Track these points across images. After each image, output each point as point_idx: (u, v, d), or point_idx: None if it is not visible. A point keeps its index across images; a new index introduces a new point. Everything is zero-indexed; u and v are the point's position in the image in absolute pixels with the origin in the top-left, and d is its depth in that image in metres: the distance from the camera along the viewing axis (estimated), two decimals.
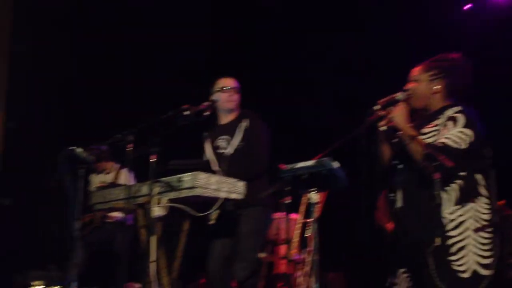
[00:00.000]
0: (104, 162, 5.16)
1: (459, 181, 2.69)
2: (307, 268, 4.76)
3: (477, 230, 2.65)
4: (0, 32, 6.25)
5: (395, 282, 2.88)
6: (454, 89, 2.83)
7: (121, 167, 5.21)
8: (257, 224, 3.48)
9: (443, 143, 2.66)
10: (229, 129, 3.64)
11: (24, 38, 6.26)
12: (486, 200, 2.71)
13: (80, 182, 4.08)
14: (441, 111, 2.81)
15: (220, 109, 3.71)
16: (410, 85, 2.88)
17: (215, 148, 3.66)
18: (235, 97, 3.68)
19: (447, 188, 2.68)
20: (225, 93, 3.65)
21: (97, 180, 5.23)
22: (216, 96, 3.64)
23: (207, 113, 3.43)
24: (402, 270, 2.85)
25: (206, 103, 3.51)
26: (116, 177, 5.15)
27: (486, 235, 2.66)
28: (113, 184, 3.87)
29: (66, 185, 3.89)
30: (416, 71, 2.90)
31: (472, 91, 2.84)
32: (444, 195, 2.68)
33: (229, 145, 3.58)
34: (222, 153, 3.60)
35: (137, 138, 3.18)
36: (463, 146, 2.66)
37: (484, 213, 2.69)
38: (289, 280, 4.95)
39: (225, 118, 3.72)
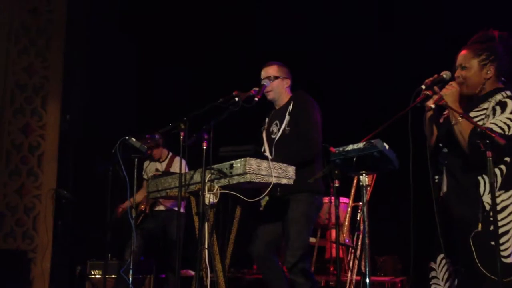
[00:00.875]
0: (158, 150, 5.29)
1: (502, 166, 2.64)
2: (358, 252, 4.76)
3: None
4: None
5: (433, 267, 2.85)
6: (505, 70, 2.76)
7: (174, 155, 5.33)
8: (305, 210, 3.46)
9: (489, 128, 2.58)
10: (280, 114, 3.65)
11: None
12: None
13: (135, 171, 4.22)
14: (490, 94, 2.73)
15: None
16: (460, 73, 2.79)
17: (269, 134, 3.68)
18: (272, 86, 3.63)
19: (504, 169, 2.64)
20: (264, 84, 3.63)
21: (151, 167, 5.36)
22: (266, 82, 3.63)
23: (257, 98, 3.42)
24: (442, 255, 2.81)
25: (255, 89, 3.50)
26: (169, 164, 5.28)
27: None
28: (167, 173, 3.97)
29: (121, 174, 4.03)
30: (464, 57, 2.79)
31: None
32: (487, 180, 2.63)
33: (278, 131, 3.59)
34: (273, 138, 3.61)
35: (189, 126, 3.25)
36: (509, 132, 2.59)
37: None
38: (341, 264, 4.96)
39: (278, 104, 3.73)
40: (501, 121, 2.61)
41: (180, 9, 6.84)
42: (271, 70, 3.68)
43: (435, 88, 2.76)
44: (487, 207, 2.61)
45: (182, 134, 3.26)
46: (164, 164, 5.32)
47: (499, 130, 2.58)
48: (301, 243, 3.43)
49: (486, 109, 2.70)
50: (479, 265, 2.59)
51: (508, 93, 2.68)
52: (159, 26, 6.78)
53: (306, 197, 3.45)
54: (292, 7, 6.69)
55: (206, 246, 3.23)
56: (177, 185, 3.38)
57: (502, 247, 2.59)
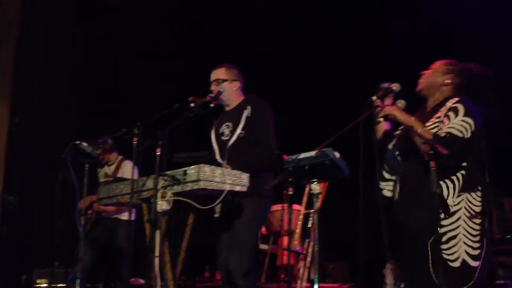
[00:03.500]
0: (108, 154, 5.21)
1: (462, 171, 2.77)
2: (308, 259, 4.82)
3: (469, 218, 2.72)
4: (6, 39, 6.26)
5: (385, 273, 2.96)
6: (461, 89, 2.94)
7: (123, 159, 5.26)
8: (254, 214, 3.46)
9: (448, 133, 2.74)
10: (233, 116, 3.62)
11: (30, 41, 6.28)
12: (479, 192, 2.78)
13: (85, 177, 4.14)
14: (442, 103, 2.91)
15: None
16: (426, 72, 3.02)
17: (219, 135, 3.64)
18: (224, 87, 3.61)
19: (453, 177, 2.76)
20: (213, 86, 3.63)
21: (101, 172, 5.28)
22: (221, 87, 3.62)
23: (213, 104, 3.42)
24: (390, 262, 2.93)
25: (211, 95, 3.50)
26: (118, 168, 5.21)
27: (476, 226, 2.73)
28: (119, 179, 3.90)
29: (71, 180, 3.94)
30: (437, 62, 3.04)
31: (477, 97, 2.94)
32: (449, 184, 2.75)
33: (231, 134, 3.56)
34: (224, 140, 3.58)
35: (143, 131, 3.22)
36: (467, 135, 2.74)
37: (476, 205, 2.76)
38: (291, 271, 5.00)
39: (229, 105, 3.71)
40: (457, 124, 2.75)
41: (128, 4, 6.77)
42: (219, 73, 3.68)
43: (379, 102, 2.89)
44: (452, 209, 2.73)
45: (135, 139, 3.23)
46: (113, 167, 5.23)
47: (459, 134, 2.71)
48: (249, 247, 3.43)
49: (439, 117, 2.85)
50: (430, 269, 2.68)
51: (456, 99, 2.86)
52: (114, 28, 6.69)
53: (253, 201, 3.45)
54: (248, 12, 6.75)
55: (157, 254, 3.20)
56: (129, 191, 3.33)
57: (449, 252, 2.70)
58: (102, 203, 3.83)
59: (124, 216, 5.11)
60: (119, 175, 5.01)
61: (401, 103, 2.93)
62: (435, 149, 2.61)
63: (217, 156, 3.55)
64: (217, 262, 3.59)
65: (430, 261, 2.69)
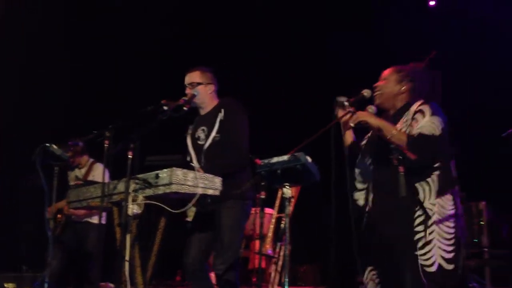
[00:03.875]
0: (79, 156, 5.14)
1: (437, 171, 2.82)
2: (280, 263, 4.83)
3: (443, 221, 2.76)
4: None
5: (362, 281, 2.97)
6: (417, 92, 3.01)
7: (94, 162, 5.20)
8: (238, 217, 3.45)
9: (419, 133, 2.79)
10: (207, 120, 3.60)
11: None
12: (451, 195, 2.83)
13: (54, 180, 4.07)
14: (406, 107, 2.97)
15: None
16: (380, 83, 3.04)
17: (195, 140, 3.62)
18: (199, 90, 3.59)
19: (428, 179, 2.81)
20: (188, 89, 3.61)
21: (72, 175, 5.21)
22: (195, 91, 3.61)
23: (186, 108, 3.40)
24: (369, 268, 2.93)
25: (184, 98, 3.47)
26: (89, 171, 5.15)
27: (450, 230, 2.78)
28: (89, 182, 3.85)
29: (41, 184, 3.87)
30: (387, 71, 3.08)
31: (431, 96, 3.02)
32: (425, 186, 2.80)
33: (206, 138, 3.54)
34: (200, 145, 3.57)
35: (115, 134, 3.18)
36: (438, 132, 2.80)
37: (448, 208, 2.81)
38: (263, 275, 5.01)
39: (204, 110, 3.69)
40: (426, 124, 2.81)
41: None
42: (193, 76, 3.65)
43: (348, 107, 2.93)
44: (430, 212, 2.76)
45: (106, 142, 3.19)
46: (83, 170, 5.17)
47: (429, 133, 2.77)
48: (234, 251, 3.42)
49: (406, 120, 2.91)
50: (405, 274, 2.69)
51: (419, 102, 2.93)
52: (95, 23, 6.62)
53: (235, 204, 3.44)
54: (223, 16, 6.76)
55: (127, 258, 3.16)
56: (100, 194, 3.29)
57: (424, 257, 2.73)
58: (72, 207, 3.77)
59: (94, 219, 5.06)
60: (90, 178, 4.95)
61: (371, 108, 2.97)
62: (404, 154, 2.65)
63: (194, 161, 3.53)
64: (184, 263, 3.54)
65: (406, 268, 2.70)
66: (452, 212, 2.80)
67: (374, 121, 2.86)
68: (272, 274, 4.91)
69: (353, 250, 2.93)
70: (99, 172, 4.98)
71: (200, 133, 3.61)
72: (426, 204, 2.78)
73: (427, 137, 2.78)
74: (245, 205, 3.51)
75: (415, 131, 2.82)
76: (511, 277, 4.68)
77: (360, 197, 3.04)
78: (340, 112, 3.00)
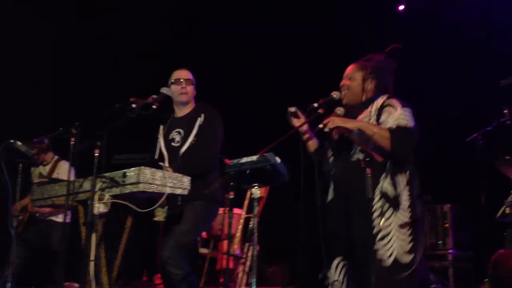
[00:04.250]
0: (44, 153, 5.06)
1: (408, 168, 2.88)
2: (247, 263, 4.83)
3: (401, 226, 2.81)
4: None
5: (328, 274, 2.98)
6: (383, 87, 3.04)
7: (59, 159, 5.12)
8: (199, 213, 3.41)
9: (397, 125, 2.84)
10: (184, 122, 3.58)
11: None
12: (409, 192, 2.88)
13: (19, 177, 3.98)
14: (370, 101, 3.02)
15: (174, 102, 3.65)
16: (345, 82, 3.07)
17: (169, 141, 3.58)
18: (188, 89, 3.59)
19: (398, 175, 2.85)
20: (178, 85, 3.58)
21: (36, 172, 5.11)
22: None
23: (155, 106, 3.37)
24: (338, 259, 2.95)
25: (154, 96, 3.43)
26: (53, 168, 5.07)
27: (407, 220, 2.82)
28: (54, 180, 3.78)
29: (4, 180, 3.78)
30: (351, 69, 3.10)
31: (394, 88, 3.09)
32: (399, 179, 2.85)
33: (183, 140, 3.51)
34: (175, 147, 3.53)
35: (82, 131, 3.13)
36: (411, 124, 2.86)
37: (406, 199, 2.85)
38: (230, 276, 5.00)
39: (181, 111, 3.66)
40: (400, 117, 2.86)
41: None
42: (189, 74, 3.64)
43: (321, 110, 2.96)
44: (389, 206, 2.80)
45: (73, 139, 3.14)
46: (48, 168, 5.10)
47: (406, 124, 2.82)
48: (186, 242, 3.35)
49: (371, 111, 2.97)
50: (365, 268, 2.72)
51: (384, 97, 2.98)
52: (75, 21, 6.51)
53: (202, 204, 3.42)
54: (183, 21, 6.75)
55: (93, 258, 3.12)
56: (65, 193, 3.23)
57: (383, 250, 2.77)
58: (36, 205, 3.70)
59: (59, 218, 4.98)
60: (55, 175, 4.88)
61: (340, 110, 3.00)
62: (371, 156, 2.69)
63: (166, 163, 3.49)
64: (158, 257, 3.48)
65: (368, 262, 2.71)
66: (408, 204, 2.84)
67: (352, 125, 2.88)
68: (240, 275, 4.91)
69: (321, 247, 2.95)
70: (63, 170, 4.92)
71: (175, 135, 3.58)
72: (393, 197, 2.83)
73: (405, 129, 2.82)
74: (212, 208, 3.51)
75: (392, 123, 2.86)
76: (474, 278, 4.78)
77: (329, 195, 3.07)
78: (295, 122, 3.06)
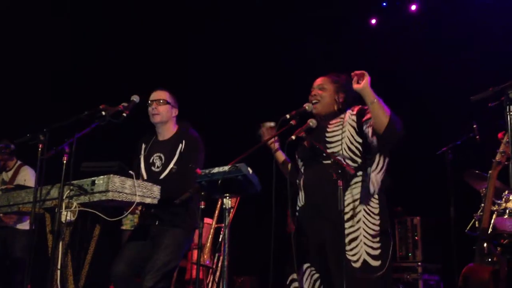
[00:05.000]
0: (7, 159, 5.00)
1: (380, 176, 2.90)
2: (217, 273, 4.79)
3: (370, 233, 2.84)
4: None
5: (295, 278, 2.97)
6: (351, 103, 3.10)
7: (22, 165, 5.05)
8: (181, 243, 3.40)
9: (340, 159, 2.88)
10: (166, 147, 3.55)
11: None
12: (377, 195, 2.92)
13: None
14: (342, 110, 3.08)
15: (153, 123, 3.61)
16: (317, 92, 3.11)
17: (149, 164, 3.55)
18: (160, 109, 3.54)
19: (370, 184, 2.88)
20: (149, 106, 3.56)
21: None
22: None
23: (125, 114, 3.32)
24: (306, 264, 2.95)
25: (124, 104, 3.36)
26: (15, 174, 5.00)
27: (375, 227, 2.86)
28: (21, 186, 3.69)
29: None
30: (323, 80, 3.14)
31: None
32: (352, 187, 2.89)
33: (164, 167, 3.48)
34: (155, 172, 3.50)
35: (50, 138, 3.07)
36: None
37: (374, 206, 2.90)
38: (201, 286, 4.95)
39: (162, 135, 3.62)
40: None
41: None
42: (162, 94, 3.59)
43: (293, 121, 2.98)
44: (372, 188, 2.85)
45: (40, 145, 3.07)
46: (10, 173, 5.04)
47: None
48: (167, 272, 3.33)
49: (342, 118, 3.03)
50: (336, 270, 2.75)
51: (357, 107, 3.04)
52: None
53: (183, 233, 3.41)
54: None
55: (59, 267, 3.05)
56: (31, 200, 3.16)
57: (351, 253, 2.81)
58: (1, 211, 3.60)
59: (24, 225, 4.88)
60: (16, 181, 4.81)
61: (312, 122, 3.01)
62: (343, 168, 2.70)
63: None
64: (113, 270, 3.40)
65: (339, 265, 2.73)
66: (378, 210, 2.89)
67: (365, 84, 2.85)
68: (210, 285, 4.86)
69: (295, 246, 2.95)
70: (25, 175, 4.89)
71: (156, 160, 3.55)
72: (363, 204, 2.87)
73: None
74: (191, 236, 3.50)
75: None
76: None
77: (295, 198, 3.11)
78: (266, 134, 3.15)
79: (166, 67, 6.68)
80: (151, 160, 3.56)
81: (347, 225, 2.82)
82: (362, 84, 2.83)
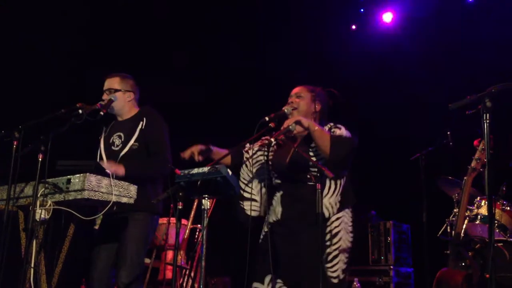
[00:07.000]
0: None
1: (343, 181, 2.95)
2: (192, 274, 4.78)
3: (344, 250, 2.90)
4: None
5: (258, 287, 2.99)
6: (326, 114, 3.17)
7: None
8: (144, 230, 3.37)
9: (339, 135, 2.95)
10: (125, 126, 3.52)
11: None
12: (351, 208, 2.99)
13: None
14: (321, 120, 3.11)
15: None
16: (294, 100, 3.14)
17: (109, 145, 3.51)
18: (117, 96, 3.51)
19: (332, 194, 2.91)
20: (106, 95, 3.54)
21: None
22: (114, 96, 3.49)
23: (102, 113, 3.28)
24: (270, 276, 2.94)
25: (101, 102, 3.37)
26: None
27: (350, 244, 2.94)
28: None
29: None
30: (301, 89, 3.18)
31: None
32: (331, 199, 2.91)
33: (123, 144, 3.45)
34: (115, 151, 3.46)
35: (25, 135, 3.03)
36: (353, 140, 2.97)
37: (350, 222, 2.96)
38: (174, 286, 4.92)
39: (121, 117, 3.60)
40: (341, 133, 2.98)
41: None
42: (112, 82, 3.57)
43: (273, 124, 3.00)
44: (326, 213, 2.87)
45: (15, 143, 3.03)
46: None
47: (345, 135, 2.96)
48: (138, 264, 3.34)
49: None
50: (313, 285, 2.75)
51: (330, 124, 3.10)
52: None
53: (144, 217, 3.37)
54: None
55: (32, 265, 3.00)
56: (4, 197, 3.11)
57: (332, 269, 2.85)
58: None
59: None
60: None
61: (292, 126, 3.02)
62: (321, 171, 2.72)
63: (104, 162, 3.40)
64: (91, 275, 3.42)
65: (315, 279, 2.74)
66: (351, 227, 2.95)
67: (306, 122, 2.92)
68: (184, 286, 4.84)
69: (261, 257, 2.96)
70: None
71: (115, 139, 3.52)
72: (333, 218, 2.91)
73: (344, 137, 2.93)
74: (153, 219, 3.46)
75: (337, 134, 2.97)
76: None
77: (247, 207, 3.12)
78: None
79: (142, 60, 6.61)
80: (111, 141, 3.53)
81: (329, 242, 2.88)
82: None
